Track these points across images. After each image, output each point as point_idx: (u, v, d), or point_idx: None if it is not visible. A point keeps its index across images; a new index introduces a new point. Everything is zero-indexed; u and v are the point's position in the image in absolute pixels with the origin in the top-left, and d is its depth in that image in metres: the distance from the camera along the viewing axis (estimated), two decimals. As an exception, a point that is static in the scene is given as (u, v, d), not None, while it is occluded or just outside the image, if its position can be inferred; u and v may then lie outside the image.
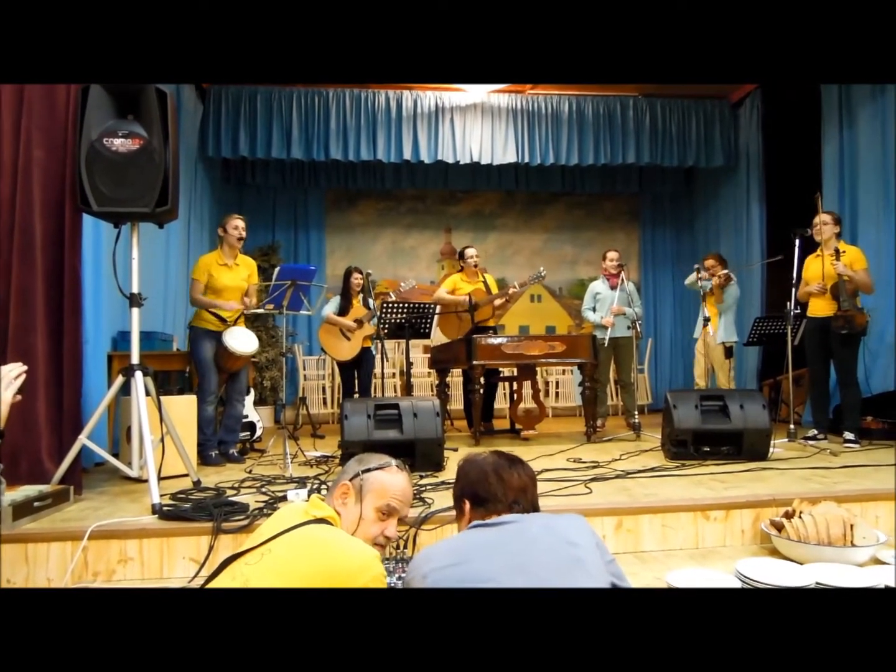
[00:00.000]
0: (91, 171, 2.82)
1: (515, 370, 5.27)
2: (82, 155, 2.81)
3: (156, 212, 2.90)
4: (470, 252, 5.56)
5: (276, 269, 4.56)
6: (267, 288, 4.36)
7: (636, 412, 5.29)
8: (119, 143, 2.83)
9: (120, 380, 3.03)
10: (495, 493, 1.65)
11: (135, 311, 3.02)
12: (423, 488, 3.03)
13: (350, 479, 1.79)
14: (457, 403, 6.68)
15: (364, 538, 1.68)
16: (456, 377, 6.83)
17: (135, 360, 3.01)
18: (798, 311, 4.56)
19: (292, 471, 3.62)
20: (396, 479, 1.84)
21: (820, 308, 4.56)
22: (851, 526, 2.47)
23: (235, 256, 4.25)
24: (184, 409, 3.73)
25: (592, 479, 3.29)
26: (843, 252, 4.43)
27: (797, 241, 4.52)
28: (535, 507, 1.71)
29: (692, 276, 5.44)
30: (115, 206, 2.86)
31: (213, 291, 4.17)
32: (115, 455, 3.51)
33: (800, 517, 2.53)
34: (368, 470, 1.81)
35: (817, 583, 2.16)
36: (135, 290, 3.03)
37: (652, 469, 3.58)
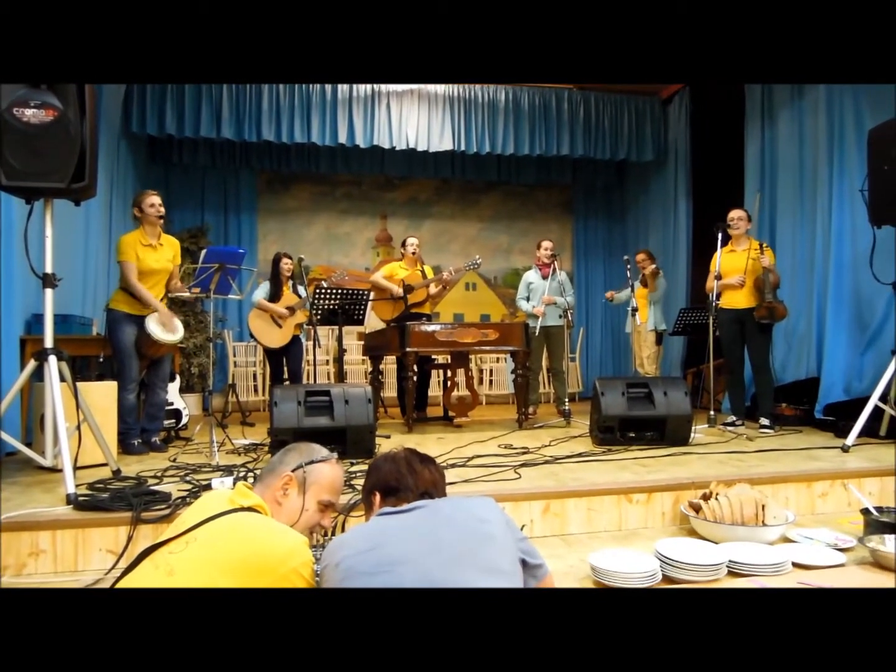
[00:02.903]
0: (-1, 142, 2.64)
1: (449, 358, 5.30)
2: (-11, 125, 2.63)
3: (71, 187, 2.74)
4: (411, 241, 5.64)
5: (203, 252, 4.40)
6: (193, 271, 4.19)
7: (567, 400, 5.40)
8: (31, 114, 2.65)
9: (32, 364, 2.87)
10: (407, 482, 1.65)
11: (48, 292, 2.86)
12: (354, 475, 3.00)
13: (293, 471, 1.76)
14: (391, 391, 6.66)
15: (303, 529, 1.68)
16: (390, 364, 6.81)
17: (48, 343, 2.85)
18: (716, 302, 4.76)
19: (219, 459, 3.53)
20: (338, 473, 1.86)
21: (736, 300, 4.75)
22: (763, 507, 2.60)
23: (159, 236, 4.04)
24: (103, 395, 3.57)
25: (522, 465, 3.34)
26: (767, 247, 4.66)
27: (720, 235, 4.74)
28: None
29: (621, 296, 6.02)
30: (26, 181, 2.68)
31: (138, 275, 3.93)
32: (29, 444, 3.34)
33: (716, 499, 2.65)
34: (311, 462, 1.79)
35: (731, 560, 2.26)
36: (48, 270, 2.87)
37: (579, 454, 3.66)
